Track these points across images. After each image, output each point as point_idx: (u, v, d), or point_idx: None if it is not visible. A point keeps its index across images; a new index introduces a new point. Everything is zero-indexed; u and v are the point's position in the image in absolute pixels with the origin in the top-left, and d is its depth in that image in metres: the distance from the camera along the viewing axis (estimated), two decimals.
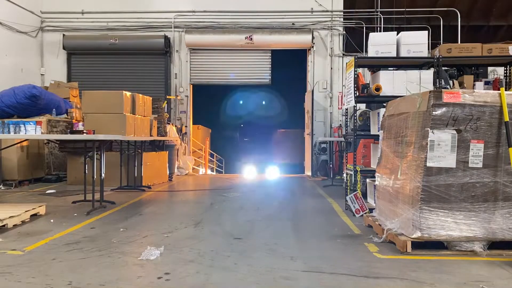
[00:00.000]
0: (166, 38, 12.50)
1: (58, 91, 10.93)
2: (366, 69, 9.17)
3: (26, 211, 5.30)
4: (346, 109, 7.20)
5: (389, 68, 6.62)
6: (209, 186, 9.41)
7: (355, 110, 6.43)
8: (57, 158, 10.26)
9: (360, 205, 5.78)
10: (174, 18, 12.66)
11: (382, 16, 12.29)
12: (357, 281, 3.27)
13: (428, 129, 3.93)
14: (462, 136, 3.92)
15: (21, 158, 8.84)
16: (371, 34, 6.53)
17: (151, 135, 9.72)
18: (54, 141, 8.77)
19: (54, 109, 9.69)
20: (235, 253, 4.01)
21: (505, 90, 4.02)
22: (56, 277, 3.29)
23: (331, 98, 12.72)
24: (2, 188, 8.46)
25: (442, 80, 5.94)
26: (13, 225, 4.96)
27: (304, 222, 5.52)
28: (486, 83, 6.42)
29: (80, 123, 8.04)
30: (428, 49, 6.45)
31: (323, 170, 11.87)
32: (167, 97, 12.46)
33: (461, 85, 6.38)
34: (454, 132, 3.92)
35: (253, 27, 12.50)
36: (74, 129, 7.59)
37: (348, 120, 8.11)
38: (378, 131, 5.50)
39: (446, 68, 6.64)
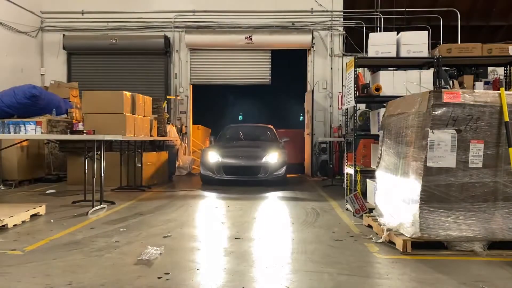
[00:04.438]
0: (166, 38, 12.50)
1: (58, 91, 10.94)
2: (366, 69, 9.17)
3: (26, 211, 5.30)
4: (346, 109, 7.19)
5: (389, 68, 6.63)
6: (209, 186, 9.39)
7: (355, 110, 6.43)
8: (57, 158, 10.26)
9: (360, 205, 5.78)
10: (174, 18, 12.66)
11: (382, 16, 12.28)
12: (357, 281, 3.27)
13: (428, 129, 3.93)
14: (462, 136, 3.92)
15: (21, 158, 8.84)
16: (371, 34, 6.53)
17: (151, 135, 9.72)
18: (54, 141, 8.77)
19: (54, 109, 9.68)
20: (235, 253, 4.01)
21: (505, 90, 4.03)
22: (56, 277, 3.29)
23: (331, 98, 12.72)
24: (2, 188, 8.46)
25: (442, 80, 5.94)
26: (13, 225, 4.96)
27: (304, 222, 5.52)
28: (486, 83, 6.42)
29: (80, 123, 8.05)
30: (428, 49, 6.45)
31: (323, 170, 11.87)
32: (167, 97, 12.46)
33: (461, 85, 6.37)
34: (454, 132, 3.92)
35: (253, 27, 12.50)
36: (74, 129, 7.61)
37: (348, 120, 8.11)
38: (378, 131, 5.50)
39: (446, 68, 6.63)
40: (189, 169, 12.08)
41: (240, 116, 20.30)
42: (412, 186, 4.06)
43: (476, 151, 3.92)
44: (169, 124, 11.69)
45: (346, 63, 6.75)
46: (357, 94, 6.10)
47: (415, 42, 6.20)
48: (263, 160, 9.14)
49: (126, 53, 12.72)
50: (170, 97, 12.59)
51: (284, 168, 9.27)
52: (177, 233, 4.83)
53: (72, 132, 7.24)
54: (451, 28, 12.08)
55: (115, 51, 12.58)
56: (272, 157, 9.17)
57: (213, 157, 9.24)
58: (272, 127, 11.61)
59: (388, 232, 4.34)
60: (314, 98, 12.18)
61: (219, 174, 9.11)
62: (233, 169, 9.13)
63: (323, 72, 12.75)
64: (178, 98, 12.75)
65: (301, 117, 12.42)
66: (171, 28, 12.69)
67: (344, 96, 6.77)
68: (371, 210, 5.57)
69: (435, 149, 3.92)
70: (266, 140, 10.68)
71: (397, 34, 6.43)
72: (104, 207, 6.28)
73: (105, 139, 6.13)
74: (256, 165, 9.13)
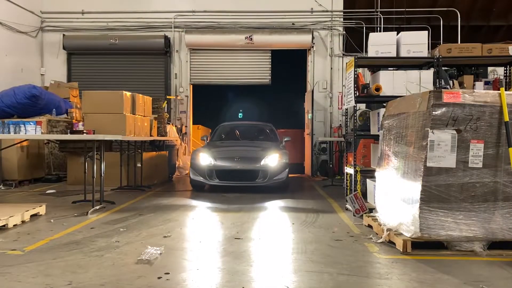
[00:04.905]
0: (166, 38, 12.50)
1: (58, 91, 10.94)
2: (366, 69, 9.17)
3: (26, 211, 5.30)
4: (346, 109, 7.19)
5: (389, 68, 6.62)
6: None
7: (355, 110, 6.43)
8: (57, 158, 10.26)
9: (360, 205, 5.78)
10: (174, 18, 12.66)
11: (382, 16, 12.29)
12: (357, 281, 3.27)
13: (428, 129, 3.93)
14: (462, 136, 3.92)
15: (21, 158, 8.84)
16: (371, 34, 6.53)
17: (151, 135, 9.72)
18: (54, 141, 8.77)
19: (54, 109, 9.69)
20: (235, 253, 4.00)
21: (505, 90, 4.02)
22: (56, 277, 3.29)
23: (331, 98, 12.72)
24: (2, 188, 8.46)
25: (442, 80, 5.94)
26: (13, 225, 4.96)
27: (304, 222, 5.52)
28: (486, 83, 6.42)
29: (80, 123, 8.05)
30: (428, 49, 6.45)
31: (323, 170, 11.87)
32: (167, 97, 12.46)
33: (461, 85, 6.37)
34: (454, 132, 3.91)
35: (253, 27, 12.50)
36: (74, 129, 7.61)
37: (348, 120, 8.11)
38: (378, 131, 5.50)
39: (446, 68, 6.63)
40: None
41: (240, 114, 20.14)
42: (412, 186, 4.06)
43: (476, 151, 3.92)
44: (169, 124, 11.69)
45: (346, 63, 6.75)
46: (357, 94, 6.10)
47: (415, 42, 6.20)
48: (262, 163, 8.16)
49: (126, 53, 12.72)
50: (170, 97, 12.59)
51: (285, 172, 8.30)
52: (177, 233, 4.83)
53: (72, 132, 7.23)
54: (451, 28, 12.08)
55: (115, 51, 12.58)
56: (272, 160, 8.20)
57: (205, 159, 8.25)
58: (271, 125, 10.55)
59: (388, 232, 4.34)
60: (314, 98, 12.18)
61: (211, 179, 8.16)
62: (228, 174, 8.17)
63: (323, 72, 12.75)
64: (178, 98, 12.75)
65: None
66: (171, 28, 12.69)
67: (344, 96, 6.77)
68: (371, 210, 5.57)
69: (435, 149, 3.92)
70: (265, 140, 9.76)
71: (397, 34, 6.43)
72: (104, 207, 6.28)
73: (105, 139, 6.13)
74: (253, 168, 8.16)
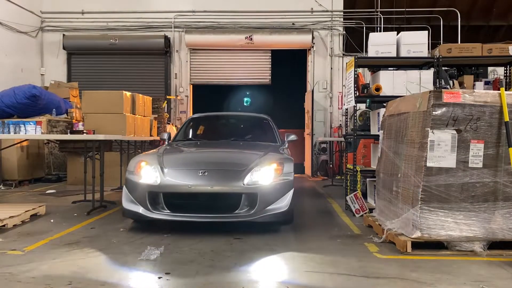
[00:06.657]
0: (166, 38, 12.50)
1: (58, 91, 10.94)
2: (366, 69, 9.17)
3: (26, 211, 5.30)
4: (346, 109, 7.19)
5: (389, 68, 6.63)
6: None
7: (355, 110, 6.43)
8: (57, 158, 10.26)
9: (360, 205, 5.78)
10: (174, 18, 12.66)
11: (382, 16, 12.29)
12: (357, 281, 3.27)
13: (428, 129, 3.93)
14: (462, 136, 3.92)
15: (21, 158, 8.84)
16: (371, 34, 6.53)
17: (151, 135, 9.72)
18: (54, 141, 8.77)
19: (54, 109, 9.69)
20: (235, 253, 4.00)
21: (505, 90, 4.02)
22: (56, 277, 3.29)
23: (331, 98, 12.72)
24: (2, 188, 8.45)
25: (442, 80, 5.94)
26: (13, 225, 4.96)
27: (304, 222, 5.52)
28: (486, 83, 6.42)
29: (80, 123, 8.05)
30: (428, 49, 6.45)
31: (323, 170, 11.87)
32: (167, 97, 12.46)
33: (461, 85, 6.38)
34: (454, 132, 3.92)
35: (253, 27, 12.50)
36: (74, 129, 7.61)
37: (348, 120, 8.11)
38: (378, 131, 5.50)
39: (446, 68, 6.63)
40: None
41: (246, 99, 18.52)
42: (412, 186, 4.06)
43: (476, 151, 3.92)
44: (169, 124, 11.69)
45: (346, 63, 6.75)
46: (357, 94, 6.10)
47: (415, 42, 6.20)
48: (247, 180, 4.65)
49: (126, 53, 12.72)
50: (170, 97, 12.59)
51: (288, 196, 4.86)
52: (177, 232, 4.82)
53: (72, 132, 7.23)
54: (451, 28, 12.09)
55: (115, 51, 12.57)
56: (266, 174, 4.74)
57: (148, 174, 4.74)
58: (269, 118, 6.99)
59: (388, 232, 4.34)
60: (314, 98, 12.18)
61: (156, 209, 4.63)
62: (185, 200, 4.73)
63: (323, 72, 12.75)
64: (178, 98, 12.76)
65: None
66: (171, 28, 12.69)
67: (344, 96, 6.77)
68: (371, 210, 5.57)
69: (435, 149, 3.92)
70: (257, 140, 6.35)
71: (397, 34, 6.43)
72: (105, 207, 6.27)
73: (105, 139, 6.13)
74: (231, 191, 4.65)
